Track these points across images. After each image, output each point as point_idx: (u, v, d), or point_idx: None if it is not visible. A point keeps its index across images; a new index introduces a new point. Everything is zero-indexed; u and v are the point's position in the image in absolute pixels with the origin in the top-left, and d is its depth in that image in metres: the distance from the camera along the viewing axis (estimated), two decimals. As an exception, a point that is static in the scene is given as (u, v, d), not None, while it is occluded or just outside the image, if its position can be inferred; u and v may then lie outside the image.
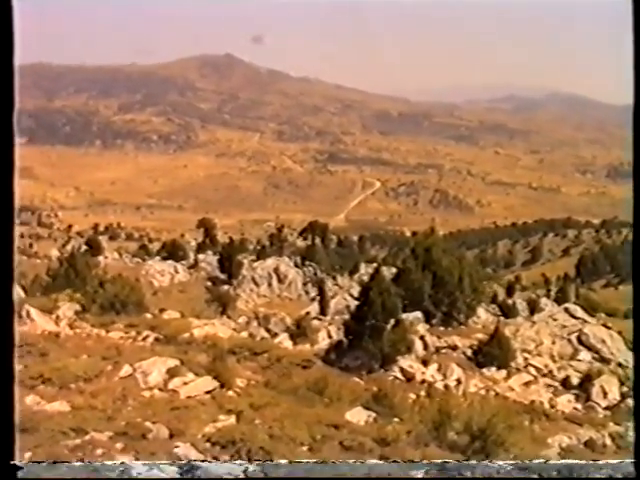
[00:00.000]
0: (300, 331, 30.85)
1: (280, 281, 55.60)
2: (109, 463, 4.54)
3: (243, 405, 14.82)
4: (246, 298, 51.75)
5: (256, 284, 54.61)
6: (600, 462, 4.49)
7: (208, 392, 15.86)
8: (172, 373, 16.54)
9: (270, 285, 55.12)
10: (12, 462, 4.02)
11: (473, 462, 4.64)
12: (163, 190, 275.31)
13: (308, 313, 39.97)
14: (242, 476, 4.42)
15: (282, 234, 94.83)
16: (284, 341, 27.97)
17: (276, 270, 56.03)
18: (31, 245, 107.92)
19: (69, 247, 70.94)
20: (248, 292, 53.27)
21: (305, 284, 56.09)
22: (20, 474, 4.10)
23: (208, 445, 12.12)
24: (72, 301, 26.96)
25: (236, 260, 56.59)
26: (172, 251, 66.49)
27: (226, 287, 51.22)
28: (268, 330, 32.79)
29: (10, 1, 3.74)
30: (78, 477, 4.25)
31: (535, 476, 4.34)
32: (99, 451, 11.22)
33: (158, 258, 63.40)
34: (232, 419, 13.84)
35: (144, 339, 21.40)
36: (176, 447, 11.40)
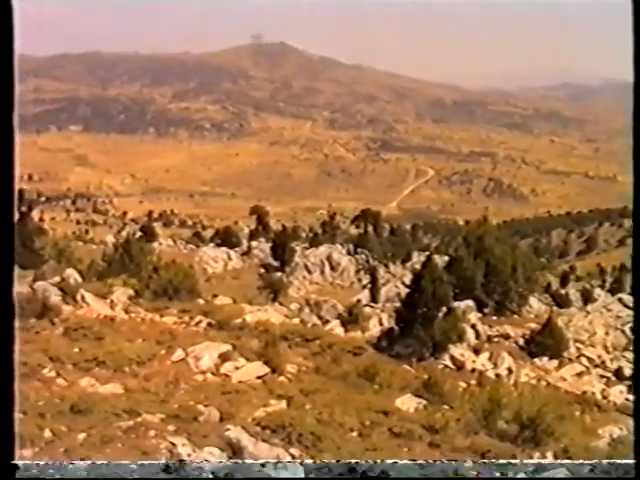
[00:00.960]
0: (351, 318, 30.82)
1: (332, 268, 55.64)
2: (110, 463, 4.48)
3: (294, 390, 14.86)
4: (298, 285, 51.87)
5: (308, 271, 54.72)
6: (600, 462, 4.51)
7: (259, 377, 15.92)
8: (224, 358, 16.63)
9: (322, 272, 55.18)
10: (12, 462, 4.05)
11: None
12: (216, 178, 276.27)
13: (359, 300, 39.93)
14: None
15: (334, 222, 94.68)
16: (335, 328, 27.95)
17: (328, 257, 56.06)
18: (87, 231, 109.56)
19: (124, 233, 71.45)
20: (300, 279, 53.38)
21: (357, 272, 56.01)
22: (19, 474, 4.13)
23: (258, 429, 12.15)
24: (126, 286, 27.12)
25: (289, 247, 56.67)
26: (225, 238, 66.86)
27: (278, 274, 51.31)
28: (320, 317, 32.76)
29: (10, 1, 3.68)
30: (77, 477, 4.23)
31: (538, 475, 4.36)
32: (151, 433, 11.32)
33: (211, 245, 63.76)
34: (283, 404, 13.86)
35: (197, 324, 21.51)
36: (227, 430, 11.40)
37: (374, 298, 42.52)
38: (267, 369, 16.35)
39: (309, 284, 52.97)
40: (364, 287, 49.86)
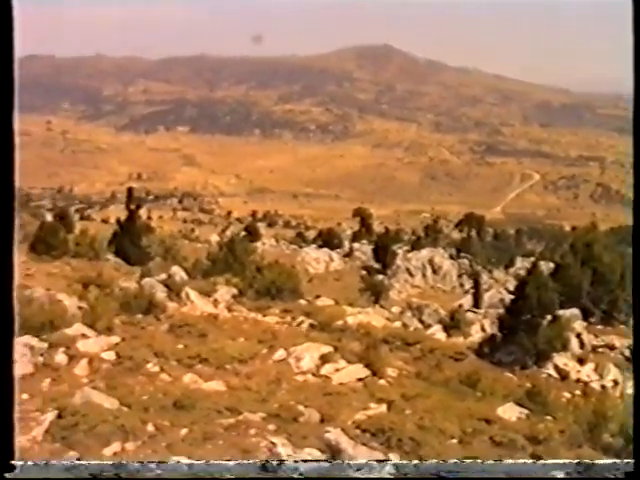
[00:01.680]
0: (453, 323, 30.30)
1: (434, 272, 55.12)
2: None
3: (394, 395, 14.64)
4: (399, 288, 51.54)
5: (410, 274, 54.35)
6: (600, 462, 4.52)
7: (360, 380, 15.74)
8: (325, 359, 16.54)
9: (424, 276, 54.71)
10: (12, 462, 3.98)
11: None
12: (320, 179, 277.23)
13: (462, 305, 39.46)
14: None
15: (437, 225, 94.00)
16: (437, 332, 27.51)
17: (431, 261, 55.54)
18: (193, 230, 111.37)
19: (228, 233, 72.34)
20: (402, 282, 53.04)
21: (460, 276, 55.34)
22: (18, 474, 4.05)
23: (358, 432, 12.04)
24: (230, 285, 27.46)
25: (391, 250, 56.46)
26: (328, 239, 67.14)
27: (380, 277, 51.10)
28: (421, 321, 32.34)
29: (10, 1, 3.67)
30: (76, 477, 4.24)
31: (536, 475, 4.40)
32: (252, 431, 11.36)
33: (314, 246, 64.05)
34: (383, 408, 13.71)
35: (299, 325, 21.54)
36: (327, 432, 11.37)
37: (477, 303, 41.95)
38: (368, 372, 16.15)
39: (410, 287, 52.59)
40: (466, 292, 49.23)
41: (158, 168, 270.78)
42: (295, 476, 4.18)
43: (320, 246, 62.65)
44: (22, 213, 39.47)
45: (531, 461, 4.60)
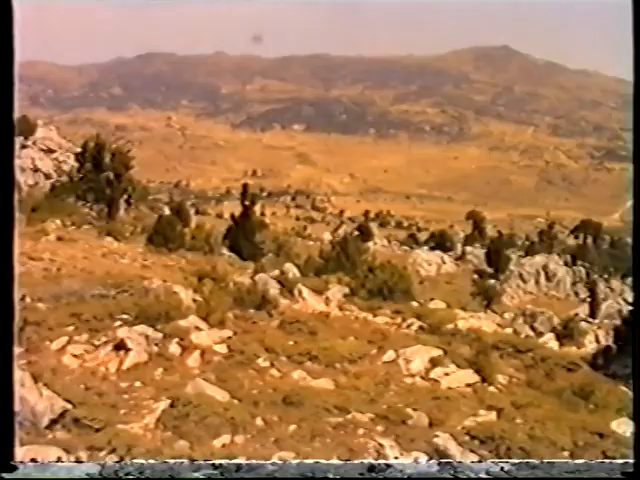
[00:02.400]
0: (567, 332, 29.56)
1: (548, 279, 53.97)
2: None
3: (504, 402, 14.33)
4: (512, 294, 50.70)
5: (523, 280, 53.33)
6: (600, 462, 4.57)
7: (469, 385, 15.45)
8: (434, 362, 16.24)
9: (537, 282, 53.61)
10: (12, 462, 3.97)
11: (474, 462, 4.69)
12: (434, 181, 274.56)
13: (577, 314, 38.45)
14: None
15: (552, 231, 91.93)
16: (549, 341, 26.85)
17: (545, 267, 54.40)
18: (305, 227, 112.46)
19: (341, 231, 72.74)
20: (514, 288, 52.14)
21: (574, 284, 54.02)
22: (18, 474, 4.04)
23: (467, 438, 11.86)
24: (342, 284, 27.32)
25: (504, 254, 55.57)
26: (440, 241, 66.58)
27: (492, 281, 50.37)
28: (533, 328, 31.74)
29: (10, 0, 3.66)
30: (75, 477, 4.20)
31: (537, 475, 4.42)
32: (360, 431, 11.27)
33: (426, 247, 63.62)
34: (492, 415, 13.45)
35: (409, 326, 21.12)
36: (435, 437, 11.23)
37: (593, 313, 40.87)
38: (477, 378, 15.83)
39: (523, 293, 51.65)
40: (581, 301, 48.07)
41: (273, 165, 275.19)
42: (402, 477, 4.14)
43: (432, 248, 62.16)
44: (140, 205, 40.25)
45: (530, 461, 4.59)
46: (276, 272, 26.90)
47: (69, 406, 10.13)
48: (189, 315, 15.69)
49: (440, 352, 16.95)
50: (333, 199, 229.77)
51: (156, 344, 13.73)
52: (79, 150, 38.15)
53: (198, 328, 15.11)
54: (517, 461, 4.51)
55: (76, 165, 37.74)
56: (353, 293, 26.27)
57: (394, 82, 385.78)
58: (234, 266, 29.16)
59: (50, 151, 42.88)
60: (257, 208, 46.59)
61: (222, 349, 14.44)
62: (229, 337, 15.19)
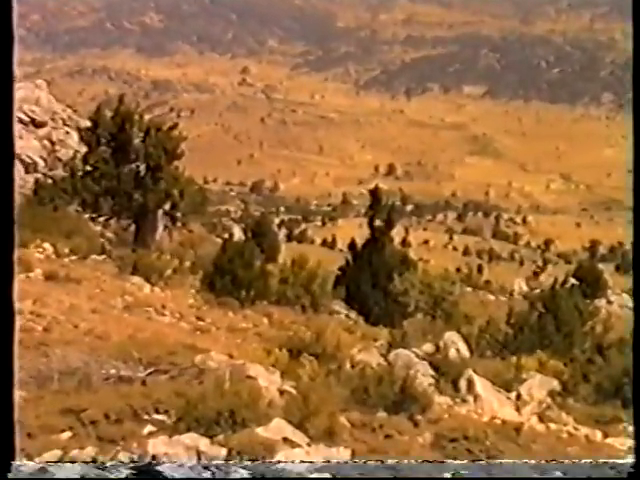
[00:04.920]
0: None
1: None
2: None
3: None
4: None
5: None
6: (600, 462, 5.73)
7: None
8: None
9: None
10: (12, 462, 4.85)
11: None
12: None
13: None
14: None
15: None
16: None
17: None
18: (481, 268, 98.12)
19: (545, 277, 74.52)
20: None
21: None
22: (18, 474, 5.03)
23: None
24: (546, 371, 24.64)
25: None
26: None
27: None
28: None
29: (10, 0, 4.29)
30: (76, 477, 5.16)
31: (536, 475, 5.48)
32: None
33: None
34: None
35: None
36: None
37: None
38: None
39: None
40: None
41: (424, 156, 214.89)
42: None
43: None
44: (193, 222, 37.95)
45: (532, 461, 5.81)
46: (428, 347, 24.58)
47: None
48: (273, 418, 13.42)
49: None
50: (531, 219, 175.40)
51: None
52: (87, 123, 32.91)
53: (289, 442, 12.69)
54: (519, 461, 5.82)
55: (82, 150, 32.62)
56: (567, 390, 23.44)
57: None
58: (354, 333, 27.01)
59: (36, 124, 37.93)
60: (396, 232, 41.34)
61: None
62: (345, 462, 12.15)
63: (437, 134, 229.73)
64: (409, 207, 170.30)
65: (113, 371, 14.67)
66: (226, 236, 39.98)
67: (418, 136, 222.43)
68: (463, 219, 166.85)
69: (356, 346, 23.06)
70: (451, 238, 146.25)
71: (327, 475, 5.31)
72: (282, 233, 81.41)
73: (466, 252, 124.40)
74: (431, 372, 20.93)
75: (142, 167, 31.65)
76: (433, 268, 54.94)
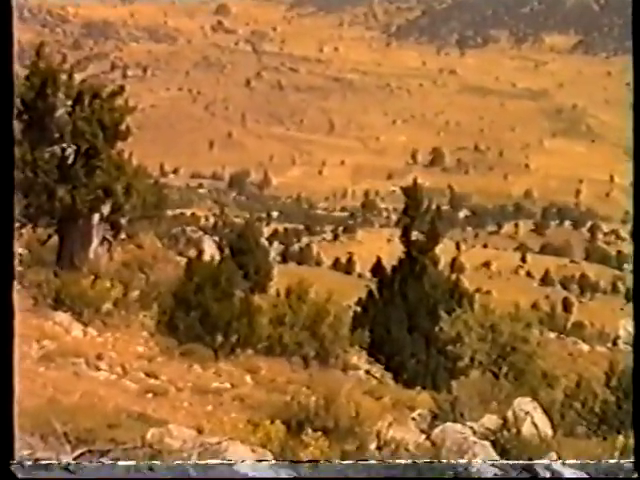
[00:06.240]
0: None
1: None
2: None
3: None
4: None
5: None
6: (600, 462, 6.41)
7: None
8: None
9: None
10: (12, 462, 5.42)
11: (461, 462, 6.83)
12: None
13: None
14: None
15: None
16: None
17: None
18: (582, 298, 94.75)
19: None
20: None
21: None
22: (18, 474, 5.67)
23: None
24: None
25: None
26: None
27: None
28: None
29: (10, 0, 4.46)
30: (76, 478, 5.82)
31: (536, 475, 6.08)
32: None
33: None
34: None
35: None
36: None
37: None
38: None
39: None
40: None
41: (485, 136, 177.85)
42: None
43: None
44: (143, 232, 33.95)
45: (539, 462, 6.56)
46: (491, 420, 21.75)
47: None
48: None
49: None
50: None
51: None
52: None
53: None
54: (521, 462, 6.52)
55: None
56: None
57: None
58: (381, 399, 25.12)
59: None
60: (443, 249, 37.77)
61: None
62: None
63: (504, 105, 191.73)
64: (462, 213, 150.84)
65: (25, 452, 12.48)
66: (192, 253, 36.94)
67: (476, 108, 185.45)
68: (542, 231, 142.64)
69: (384, 418, 21.05)
70: (524, 259, 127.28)
71: None
72: (275, 250, 74.99)
73: (546, 280, 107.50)
74: (495, 456, 18.74)
75: (69, 151, 27.14)
76: (498, 303, 48.16)
